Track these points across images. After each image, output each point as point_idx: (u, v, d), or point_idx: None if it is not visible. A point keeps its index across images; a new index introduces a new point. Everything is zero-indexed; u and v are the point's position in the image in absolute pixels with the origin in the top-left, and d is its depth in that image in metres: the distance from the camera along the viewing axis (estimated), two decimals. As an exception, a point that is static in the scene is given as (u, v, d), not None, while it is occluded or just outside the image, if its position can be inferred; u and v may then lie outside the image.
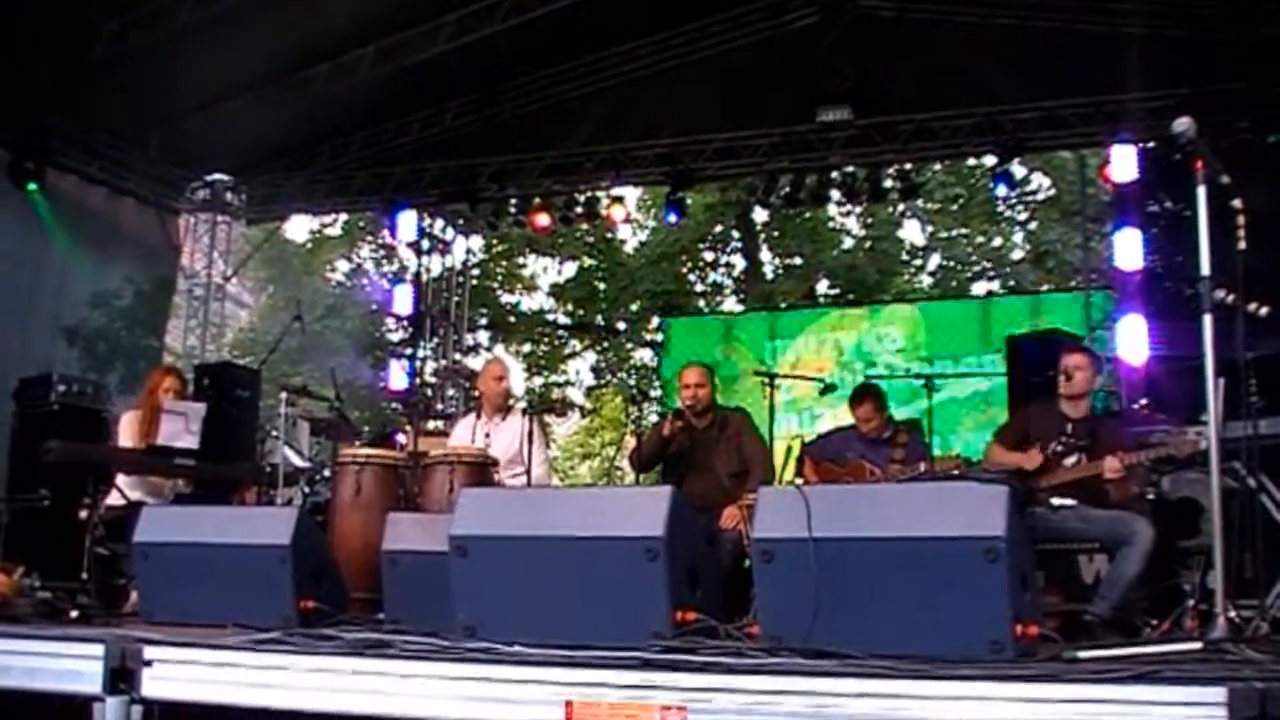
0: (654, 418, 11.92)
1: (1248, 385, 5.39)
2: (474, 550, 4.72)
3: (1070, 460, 6.19)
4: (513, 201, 13.13)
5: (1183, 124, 4.91)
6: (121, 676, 3.96)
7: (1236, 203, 4.97)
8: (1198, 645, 4.46)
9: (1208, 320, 4.79)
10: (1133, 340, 10.56)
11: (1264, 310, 5.46)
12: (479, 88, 12.08)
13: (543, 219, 12.94)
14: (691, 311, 20.36)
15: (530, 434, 7.28)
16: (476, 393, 8.11)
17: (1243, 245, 5.00)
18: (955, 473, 6.20)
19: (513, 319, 22.79)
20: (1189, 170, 4.92)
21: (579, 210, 13.01)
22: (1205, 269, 4.82)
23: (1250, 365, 5.36)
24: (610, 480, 20.05)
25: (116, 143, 11.69)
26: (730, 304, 22.19)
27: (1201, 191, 4.84)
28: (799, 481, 7.26)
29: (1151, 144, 10.73)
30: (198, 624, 4.92)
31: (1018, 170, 11.99)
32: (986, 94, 10.85)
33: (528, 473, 7.30)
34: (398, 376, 14.38)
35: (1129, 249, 10.87)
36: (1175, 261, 10.68)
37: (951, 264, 21.58)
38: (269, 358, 9.68)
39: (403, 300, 14.55)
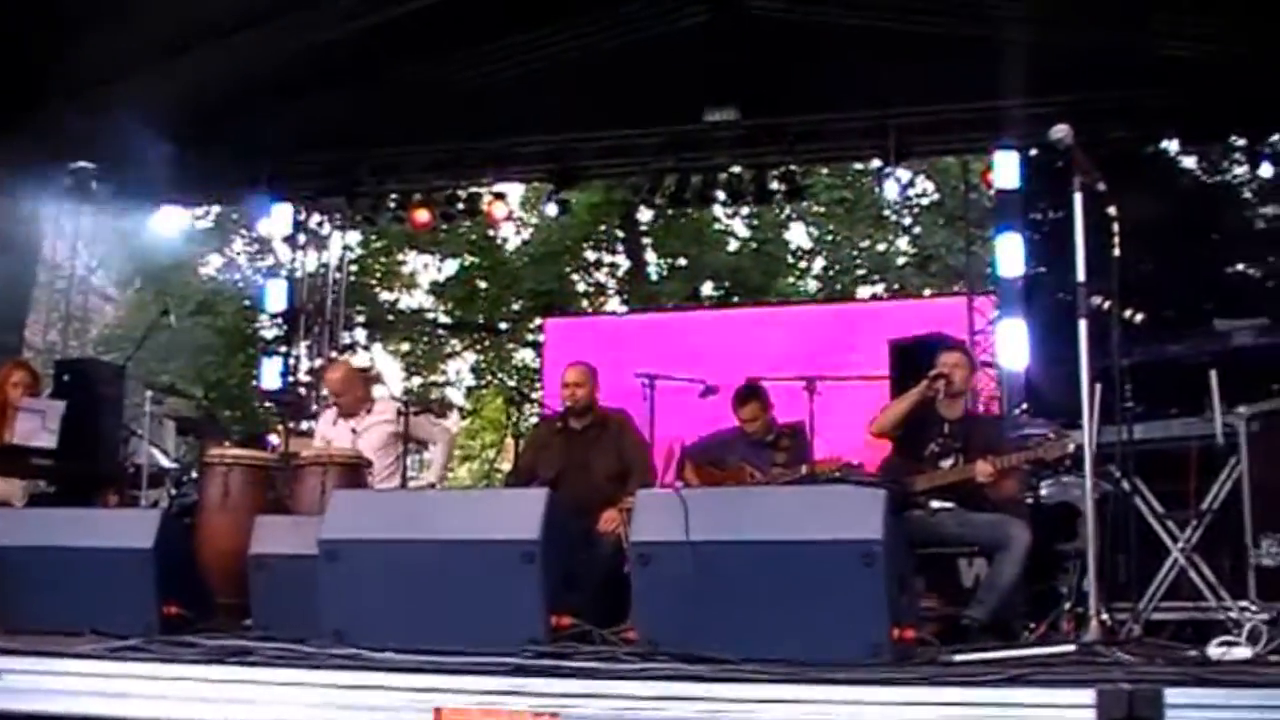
0: (534, 419, 11.88)
1: (1123, 391, 5.49)
2: (344, 554, 4.69)
3: (947, 462, 6.28)
4: (392, 196, 12.96)
5: (1060, 130, 5.04)
6: (-31, 689, 3.81)
7: (1112, 210, 5.11)
8: (1071, 648, 4.58)
9: (1083, 326, 4.92)
10: (1013, 345, 10.76)
11: (1139, 317, 5.65)
12: (359, 78, 11.90)
13: (423, 215, 12.81)
14: (575, 312, 20.35)
15: (406, 435, 7.26)
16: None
17: (1118, 252, 5.13)
18: (836, 476, 6.25)
19: (391, 317, 22.54)
20: (1069, 177, 5.06)
21: (460, 207, 12.89)
22: (1081, 275, 4.95)
23: (1126, 371, 5.50)
24: (490, 483, 19.94)
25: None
26: (614, 305, 22.25)
27: (1078, 198, 4.98)
28: (679, 485, 7.30)
29: (1034, 151, 10.94)
30: (54, 632, 4.83)
31: (903, 173, 12.12)
32: (873, 97, 10.95)
33: (402, 474, 7.26)
34: (270, 375, 14.13)
35: (1010, 254, 11.06)
36: (1055, 268, 10.92)
37: (837, 267, 21.85)
38: (135, 354, 9.45)
39: (277, 296, 14.28)
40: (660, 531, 4.50)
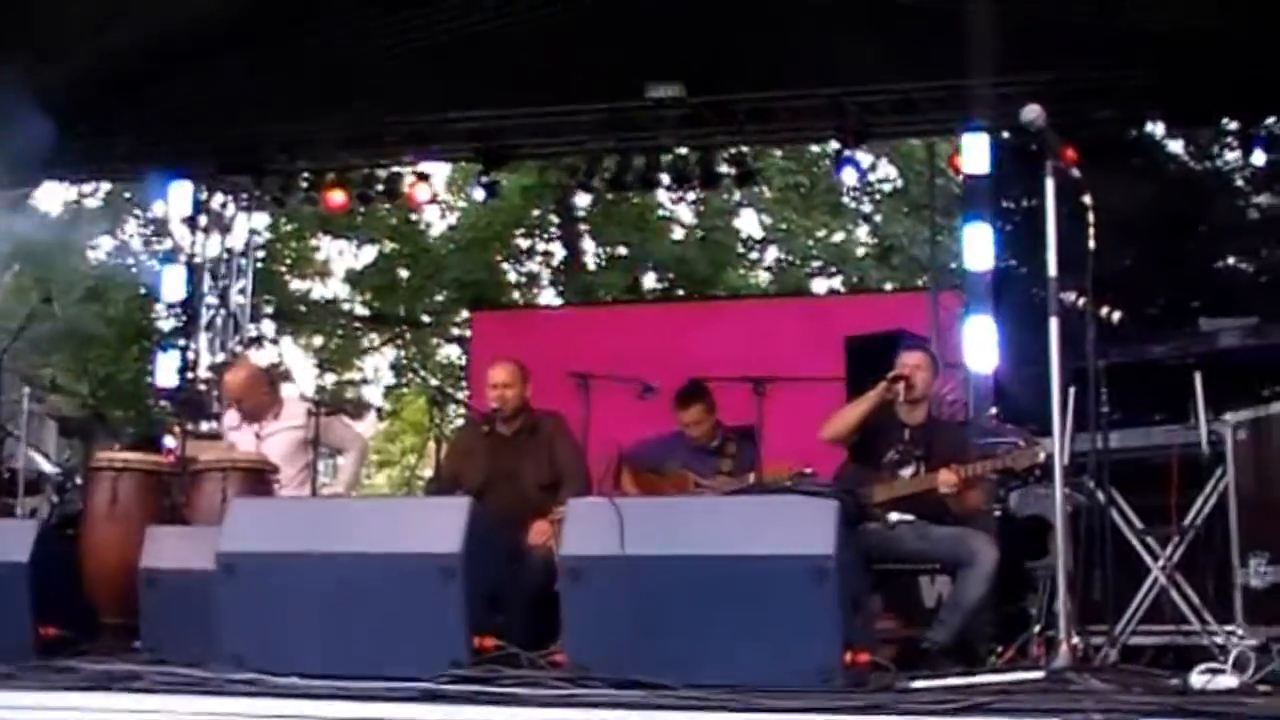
0: (459, 422, 11.84)
1: (1099, 395, 5.54)
2: (244, 568, 4.65)
3: (907, 471, 6.31)
4: (304, 176, 12.88)
5: (1031, 111, 5.06)
6: None
7: (1088, 199, 5.14)
8: (1040, 675, 4.60)
9: (1054, 325, 4.95)
10: (981, 344, 10.85)
11: (1118, 315, 5.67)
12: (267, 43, 11.77)
13: (337, 196, 12.72)
14: (505, 305, 20.32)
15: (317, 439, 7.22)
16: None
17: (1095, 244, 5.17)
18: (786, 485, 6.23)
19: (302, 308, 22.39)
20: (1042, 162, 5.08)
21: (379, 188, 12.83)
22: (1053, 269, 4.98)
23: (1102, 374, 5.55)
24: (410, 492, 19.85)
25: None
26: (547, 297, 22.26)
27: (1050, 185, 5.00)
28: (615, 493, 7.28)
29: (1005, 134, 11.01)
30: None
31: (863, 158, 12.16)
32: (831, 74, 10.94)
33: (312, 483, 7.21)
34: (166, 371, 13.97)
35: (979, 246, 11.15)
36: (1028, 261, 11.00)
37: (790, 259, 21.98)
38: (12, 346, 9.30)
39: (174, 284, 14.10)
40: (593, 545, 4.50)
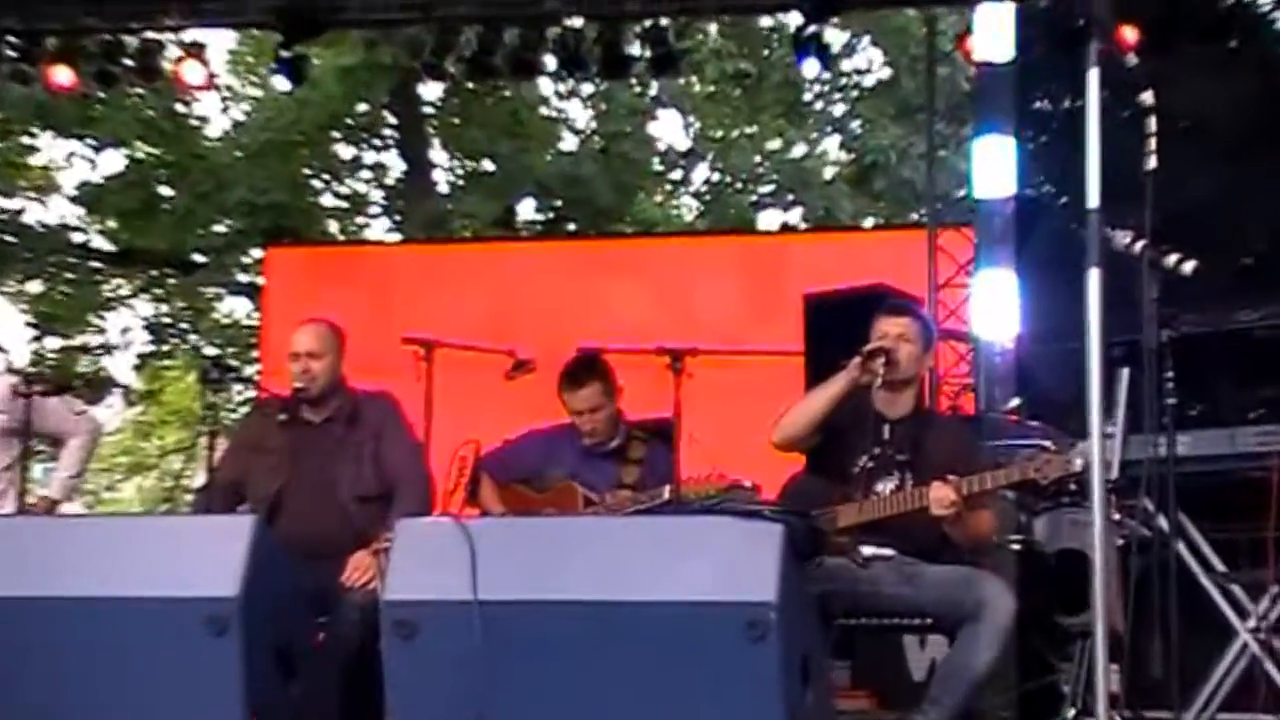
0: (246, 406, 11.78)
1: (1162, 380, 5.63)
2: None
3: (887, 485, 6.32)
4: (11, 40, 12.71)
5: (1074, -31, 5.10)
6: None
7: (1148, 97, 5.18)
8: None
9: (1096, 278, 4.99)
10: (998, 308, 10.93)
11: (1190, 266, 5.71)
12: None
13: (64, 74, 12.54)
14: (316, 239, 20.28)
15: (28, 429, 7.16)
16: None
17: (1154, 163, 5.23)
18: (714, 503, 6.26)
19: (11, 238, 22.06)
20: (1085, 46, 5.11)
21: (128, 63, 12.67)
22: (1095, 198, 5.02)
23: (1168, 350, 5.64)
24: (173, 509, 19.70)
25: None
26: (378, 230, 22.39)
27: (1095, 78, 5.03)
28: (473, 512, 7.29)
29: (1038, 3, 11.06)
30: None
31: (834, 36, 12.20)
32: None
33: (20, 491, 7.15)
34: None
35: (996, 166, 11.21)
36: (1065, 187, 11.02)
37: (728, 181, 22.08)
38: None
39: None
40: (432, 585, 4.54)
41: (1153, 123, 5.20)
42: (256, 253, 20.30)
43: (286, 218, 20.49)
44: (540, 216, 21.42)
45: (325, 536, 6.65)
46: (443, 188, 22.02)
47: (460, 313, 9.71)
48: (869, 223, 19.27)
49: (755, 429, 6.62)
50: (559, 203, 21.34)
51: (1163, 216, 5.26)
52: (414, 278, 13.33)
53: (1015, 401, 9.42)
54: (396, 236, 21.64)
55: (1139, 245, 5.32)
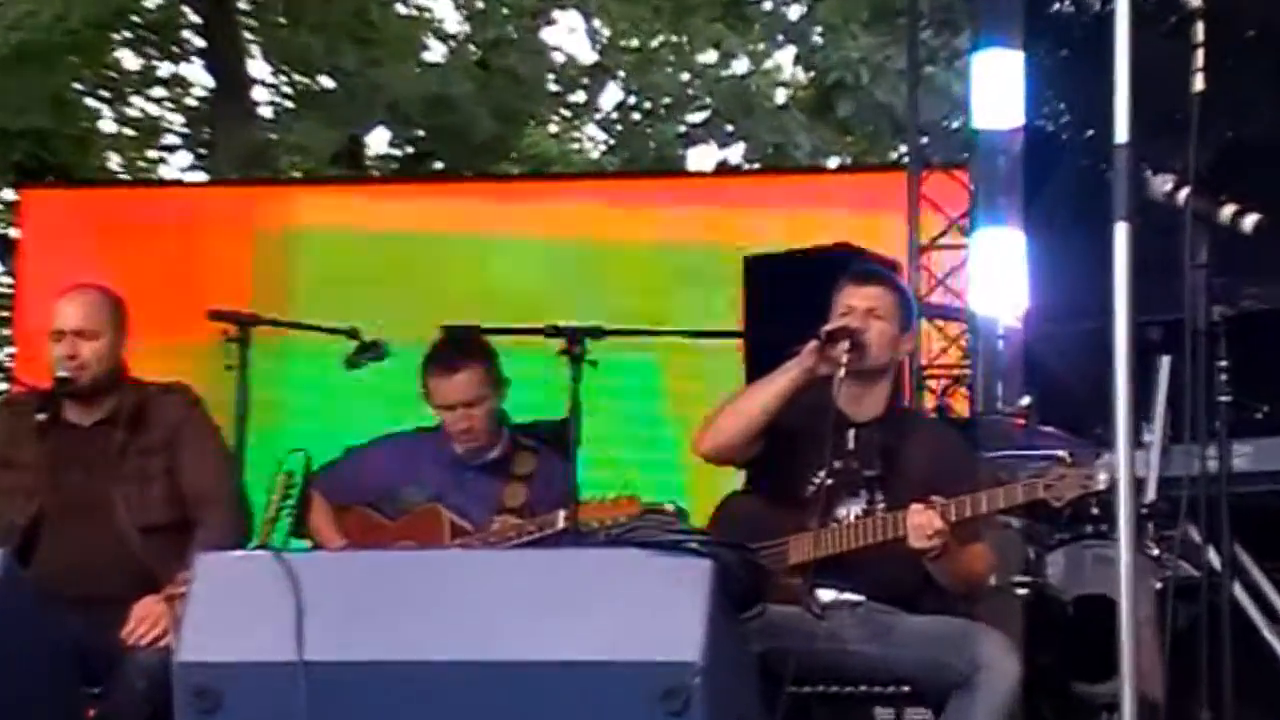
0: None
1: (1213, 372, 5.61)
2: None
3: (851, 508, 6.32)
4: None
5: None
6: None
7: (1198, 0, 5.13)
8: None
9: (1122, 236, 4.90)
10: (1000, 276, 10.95)
11: (1251, 222, 5.66)
12: None
13: None
14: (90, 178, 20.28)
15: None
16: None
17: (1200, 85, 5.18)
18: (622, 532, 6.17)
19: None
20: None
21: None
22: (1124, 131, 4.93)
23: (1221, 332, 5.61)
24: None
25: None
26: (175, 167, 22.52)
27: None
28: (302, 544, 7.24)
29: None
30: None
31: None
32: None
33: None
34: None
35: (1000, 89, 11.23)
36: (1086, 117, 11.03)
37: (647, 106, 22.14)
38: None
39: None
40: (244, 643, 4.53)
41: (1201, 30, 5.15)
42: (7, 194, 20.21)
43: (47, 149, 20.41)
44: (396, 151, 21.40)
45: (99, 578, 6.56)
46: (265, 111, 22.09)
47: (287, 278, 9.60)
48: (832, 163, 19.33)
49: (680, 434, 6.59)
50: (421, 133, 21.34)
51: (1216, 155, 5.23)
52: (225, 231, 13.27)
53: (1024, 400, 9.43)
54: (201, 176, 21.48)
55: (1184, 193, 5.26)
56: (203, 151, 21.78)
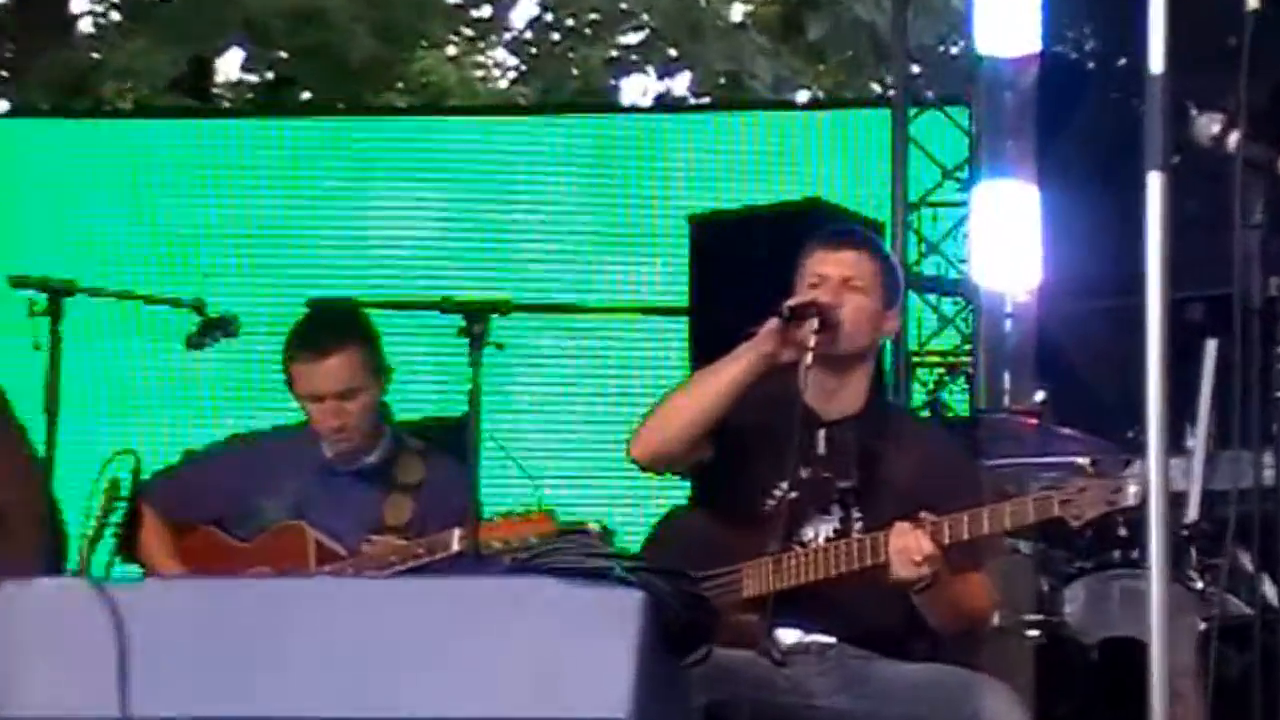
0: None
1: (1270, 360, 5.61)
2: None
3: (821, 528, 6.30)
4: None
5: None
6: None
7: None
8: None
9: (1156, 189, 4.80)
10: (1008, 241, 10.87)
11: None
12: None
13: None
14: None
15: None
16: None
17: (1256, 2, 5.16)
18: (532, 552, 6.08)
19: None
20: None
21: None
22: (1158, 61, 4.84)
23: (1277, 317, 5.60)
24: None
25: None
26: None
27: None
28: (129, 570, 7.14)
29: None
30: None
31: None
32: None
33: None
34: None
35: (1009, 6, 11.20)
36: (1115, 47, 11.01)
37: (569, 25, 22.16)
38: None
39: None
40: (53, 695, 4.47)
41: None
42: None
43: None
44: (252, 77, 21.38)
45: None
46: (85, 26, 21.89)
47: (114, 236, 9.53)
48: (801, 96, 19.36)
49: (607, 436, 6.52)
50: (283, 54, 21.28)
51: (1276, 90, 5.17)
52: (36, 174, 13.18)
53: (1036, 395, 9.39)
54: (4, 105, 21.43)
55: (1234, 136, 5.19)
56: (4, 75, 21.66)
